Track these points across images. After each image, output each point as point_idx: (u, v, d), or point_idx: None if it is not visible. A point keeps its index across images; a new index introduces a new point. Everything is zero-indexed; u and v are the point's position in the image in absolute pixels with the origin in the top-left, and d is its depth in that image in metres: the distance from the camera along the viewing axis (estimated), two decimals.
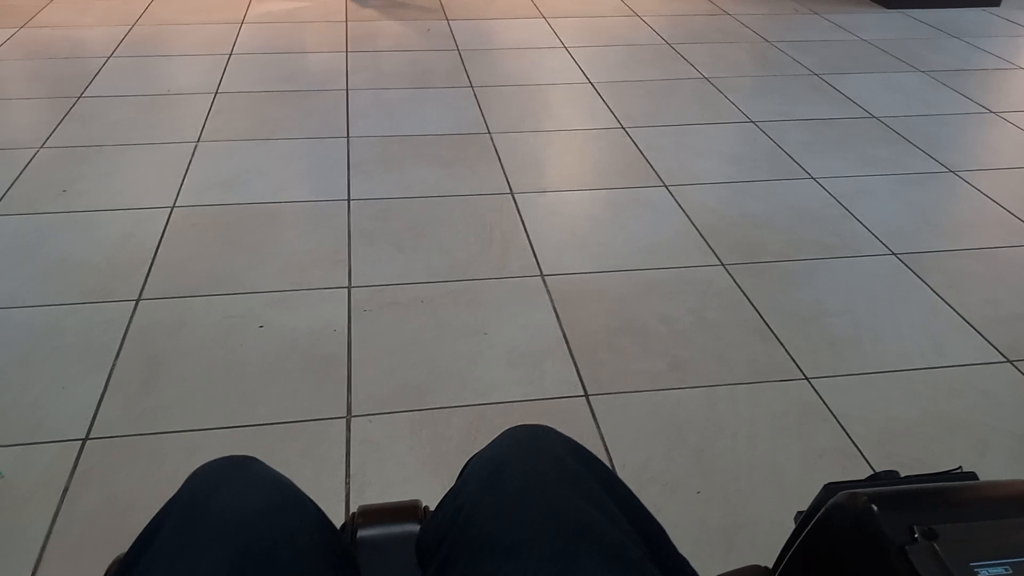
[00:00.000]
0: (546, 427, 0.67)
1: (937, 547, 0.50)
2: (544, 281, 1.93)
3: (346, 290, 1.87)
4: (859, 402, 1.59)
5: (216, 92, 2.94)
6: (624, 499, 0.61)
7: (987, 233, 2.21)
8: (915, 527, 0.52)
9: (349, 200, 2.26)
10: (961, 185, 2.45)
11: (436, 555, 0.58)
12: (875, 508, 0.54)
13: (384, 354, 1.68)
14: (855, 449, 1.48)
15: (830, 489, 0.60)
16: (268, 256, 2.00)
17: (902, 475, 0.63)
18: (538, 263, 2.00)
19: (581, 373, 1.65)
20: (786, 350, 1.72)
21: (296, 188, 2.33)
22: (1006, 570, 0.49)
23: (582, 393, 1.60)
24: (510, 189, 2.34)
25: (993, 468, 1.45)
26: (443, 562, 0.56)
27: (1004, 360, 1.70)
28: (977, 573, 0.49)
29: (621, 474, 1.42)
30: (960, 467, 0.63)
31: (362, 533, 0.78)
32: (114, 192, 2.27)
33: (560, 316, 1.81)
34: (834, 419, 1.54)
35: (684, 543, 0.74)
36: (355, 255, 2.01)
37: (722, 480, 1.41)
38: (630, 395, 1.60)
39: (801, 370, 1.66)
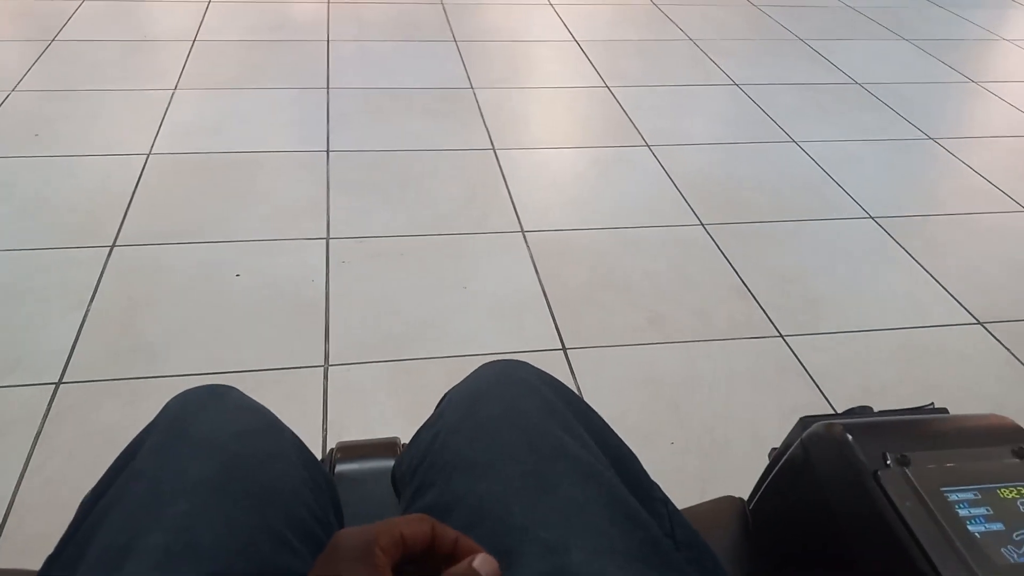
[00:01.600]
0: (521, 361, 0.67)
1: (909, 473, 0.51)
2: (524, 237, 1.93)
3: (324, 241, 1.85)
4: (833, 361, 1.61)
5: (195, 39, 2.88)
6: (598, 430, 0.61)
7: (965, 200, 2.23)
8: (888, 454, 0.53)
9: (328, 151, 2.23)
10: (941, 153, 2.47)
11: (411, 482, 0.58)
12: (850, 437, 0.55)
13: (363, 305, 1.67)
14: (829, 406, 1.50)
15: (806, 422, 0.61)
16: (245, 205, 1.97)
17: (875, 411, 0.64)
18: (519, 219, 1.99)
19: (559, 327, 1.65)
20: (763, 309, 1.73)
21: (275, 138, 2.29)
22: (975, 495, 0.50)
23: (560, 347, 1.60)
24: (492, 145, 2.32)
25: None
26: (418, 488, 0.56)
27: (976, 323, 1.73)
28: (947, 497, 0.50)
29: None
30: (932, 403, 0.64)
31: (340, 468, 0.78)
32: (89, 137, 2.23)
33: (540, 271, 1.81)
34: (808, 376, 1.56)
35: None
36: (334, 206, 1.99)
37: (698, 432, 1.42)
38: (608, 349, 1.60)
39: (777, 328, 1.68)
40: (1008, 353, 1.65)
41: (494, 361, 0.68)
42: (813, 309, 1.74)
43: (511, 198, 2.07)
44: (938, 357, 1.64)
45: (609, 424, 0.63)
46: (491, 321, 1.65)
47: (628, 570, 0.45)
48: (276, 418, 0.65)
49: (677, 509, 0.57)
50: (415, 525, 0.44)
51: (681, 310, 1.72)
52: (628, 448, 0.61)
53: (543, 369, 0.67)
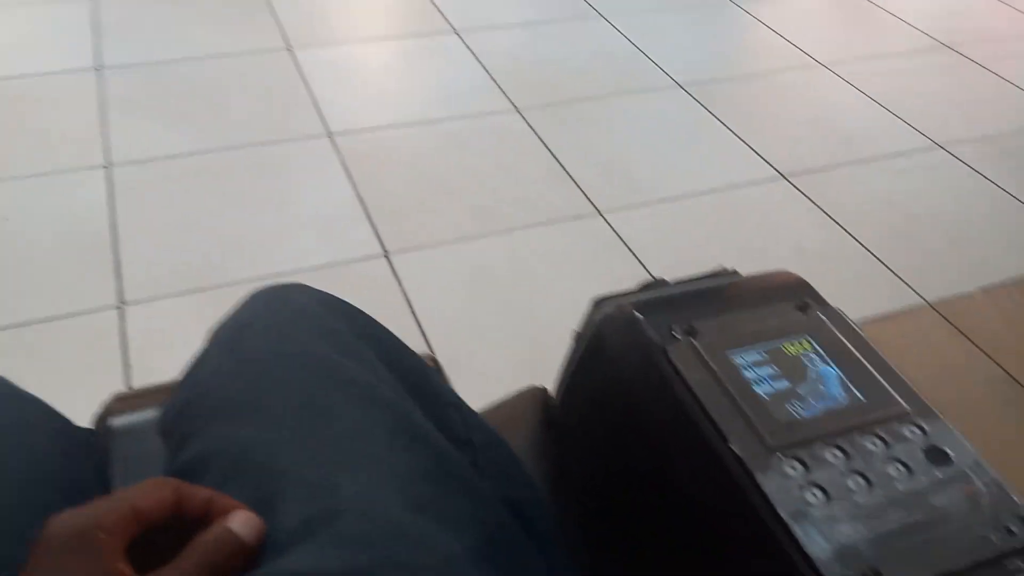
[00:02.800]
0: (296, 284, 0.60)
1: (696, 343, 0.50)
2: (333, 141, 1.80)
3: (104, 169, 1.66)
4: (652, 232, 1.63)
5: None
6: (388, 349, 0.56)
7: (766, 61, 2.29)
8: (675, 327, 0.51)
9: (99, 68, 1.98)
10: (744, 17, 2.51)
11: (174, 434, 0.51)
12: (639, 315, 0.52)
13: (156, 234, 1.52)
14: (651, 277, 1.52)
15: (599, 303, 0.58)
16: (5, 140, 1.72)
17: (671, 282, 0.62)
18: (325, 123, 1.86)
19: (379, 232, 1.57)
20: (582, 190, 1.72)
21: (32, 59, 2.00)
22: (760, 356, 0.49)
23: (381, 253, 1.53)
24: (287, 44, 2.14)
25: None
26: (180, 440, 0.49)
27: (781, 177, 1.80)
28: (733, 361, 0.48)
29: (428, 327, 1.39)
30: (722, 266, 0.63)
31: (112, 422, 0.70)
32: None
33: (353, 176, 1.70)
34: (629, 251, 1.58)
35: (495, 385, 0.71)
36: (112, 130, 1.77)
37: (526, 320, 1.41)
38: (431, 249, 1.55)
39: (596, 208, 1.68)
40: (810, 202, 1.74)
41: (264, 287, 0.60)
42: (630, 184, 1.76)
43: (314, 101, 1.93)
44: (749, 214, 1.70)
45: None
46: (303, 234, 1.55)
47: (406, 494, 0.41)
48: (11, 388, 0.56)
49: (473, 412, 0.53)
50: (151, 492, 0.38)
51: (503, 200, 1.68)
52: (420, 360, 0.56)
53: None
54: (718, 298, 0.54)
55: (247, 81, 1.98)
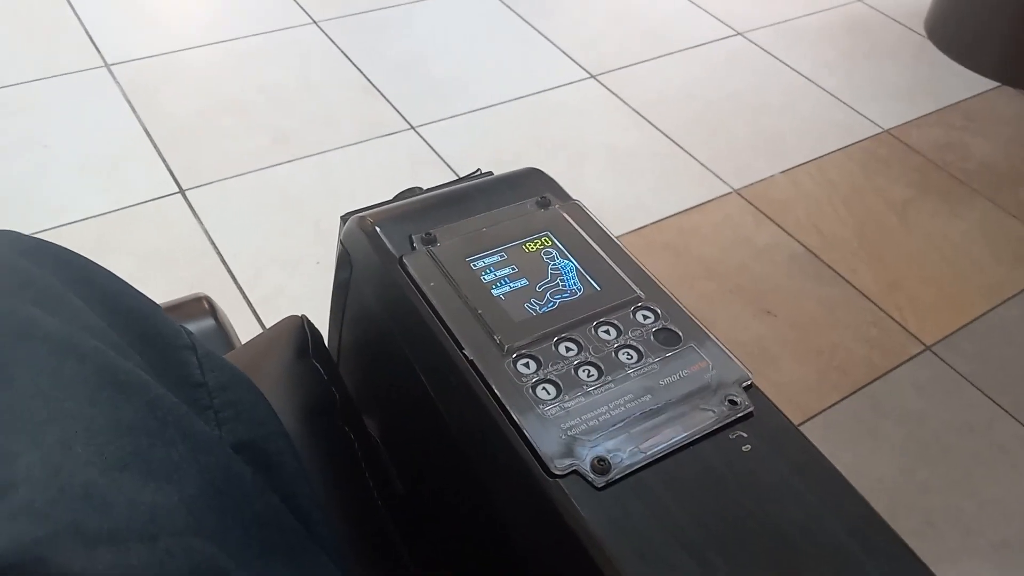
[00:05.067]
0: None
1: (434, 251, 0.47)
2: (111, 71, 1.64)
3: None
4: (466, 142, 1.60)
5: None
6: (109, 295, 0.50)
7: None
8: (413, 237, 0.48)
9: None
10: None
11: None
12: (378, 228, 0.49)
13: None
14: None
15: (345, 218, 0.55)
16: None
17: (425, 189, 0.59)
18: (99, 52, 1.68)
19: (172, 168, 1.45)
20: (391, 103, 1.66)
21: None
22: (500, 257, 0.48)
23: (176, 190, 1.42)
24: None
25: (589, 177, 1.56)
26: None
27: (589, 76, 1.81)
28: (472, 266, 0.47)
29: (235, 265, 1.31)
30: (479, 169, 0.60)
31: None
32: None
33: (136, 108, 1.56)
34: (444, 163, 1.55)
35: (311, 312, 0.66)
36: None
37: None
38: (233, 180, 1.46)
39: (407, 121, 1.62)
40: (619, 100, 1.75)
41: None
42: (440, 94, 1.71)
43: (84, 27, 1.73)
44: (560, 117, 1.70)
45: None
46: (84, 179, 1.41)
47: (105, 452, 0.37)
48: None
49: (210, 352, 0.49)
50: None
51: (308, 121, 1.59)
52: (149, 304, 0.51)
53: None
54: (462, 202, 0.51)
55: (3, 12, 1.75)
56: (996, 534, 1.11)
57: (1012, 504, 1.15)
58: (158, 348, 0.48)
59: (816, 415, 1.23)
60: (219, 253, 1.32)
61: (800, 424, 1.21)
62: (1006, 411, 1.26)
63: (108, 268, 0.51)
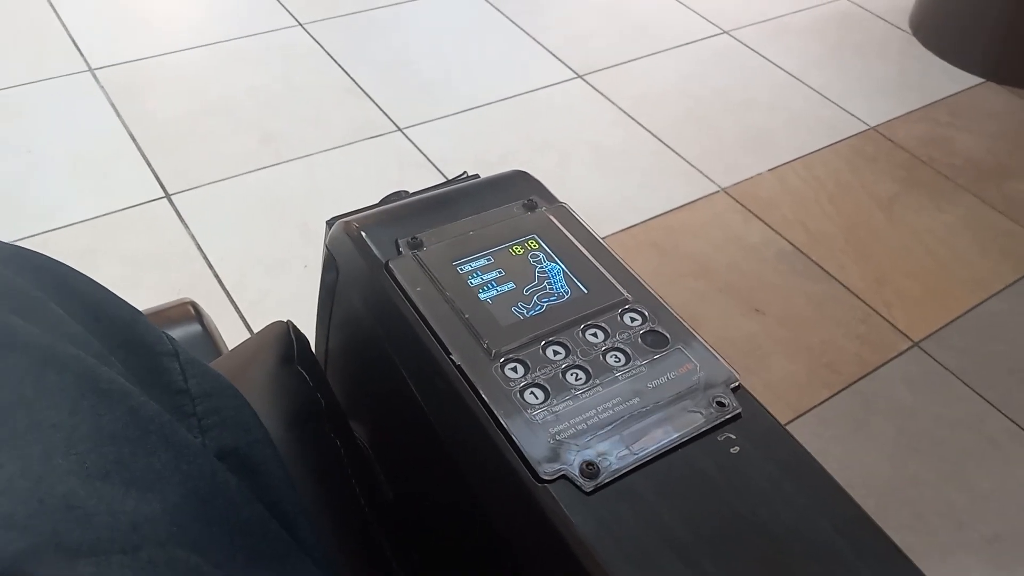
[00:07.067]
0: None
1: (420, 255, 0.47)
2: (95, 76, 1.62)
3: None
4: (454, 143, 1.60)
5: None
6: (90, 302, 0.50)
7: None
8: (399, 241, 0.48)
9: None
10: None
11: None
12: (363, 232, 0.49)
13: None
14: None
15: (330, 223, 0.54)
16: None
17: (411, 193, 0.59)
18: (83, 56, 1.67)
19: (157, 172, 1.44)
20: (377, 105, 1.65)
21: None
22: (487, 260, 0.47)
23: (162, 194, 1.41)
24: None
25: (576, 177, 1.56)
26: None
27: (576, 76, 1.80)
28: (459, 270, 0.46)
29: (222, 269, 1.31)
30: (465, 172, 0.60)
31: None
32: None
33: (121, 112, 1.55)
34: (431, 165, 1.54)
35: (299, 316, 0.65)
36: None
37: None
38: (220, 184, 1.45)
39: (394, 123, 1.62)
40: (606, 99, 1.75)
41: None
42: (427, 95, 1.70)
43: (68, 31, 1.72)
44: (547, 117, 1.69)
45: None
46: (69, 184, 1.40)
47: (87, 462, 0.37)
48: None
49: (193, 358, 0.49)
50: None
51: (294, 123, 1.59)
52: (130, 310, 0.51)
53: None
54: (448, 206, 0.51)
55: None
56: (988, 528, 1.11)
57: (1003, 498, 1.15)
58: (140, 355, 0.47)
59: (807, 412, 1.23)
60: (206, 257, 1.31)
61: (791, 421, 1.21)
62: (994, 406, 1.26)
63: (94, 274, 0.50)
